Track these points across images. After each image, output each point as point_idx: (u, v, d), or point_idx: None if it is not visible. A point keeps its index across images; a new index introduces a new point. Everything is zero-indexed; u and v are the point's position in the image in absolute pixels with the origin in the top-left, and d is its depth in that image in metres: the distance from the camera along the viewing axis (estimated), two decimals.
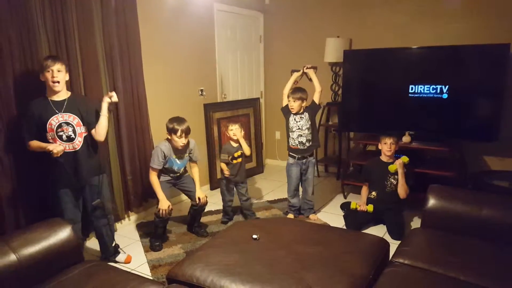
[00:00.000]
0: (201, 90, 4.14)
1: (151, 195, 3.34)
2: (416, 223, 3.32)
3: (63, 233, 1.93)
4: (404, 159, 3.22)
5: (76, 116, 2.40)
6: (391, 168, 3.22)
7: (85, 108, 2.45)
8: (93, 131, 2.49)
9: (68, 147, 2.38)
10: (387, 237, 3.05)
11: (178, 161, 2.96)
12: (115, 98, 2.51)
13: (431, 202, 2.36)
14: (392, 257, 2.08)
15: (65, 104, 2.37)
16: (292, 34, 4.83)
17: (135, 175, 3.33)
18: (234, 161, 3.33)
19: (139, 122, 3.30)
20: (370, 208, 3.23)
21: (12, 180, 2.43)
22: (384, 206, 3.22)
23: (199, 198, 3.02)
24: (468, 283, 1.78)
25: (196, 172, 3.10)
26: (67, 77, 2.38)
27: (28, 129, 2.31)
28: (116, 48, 3.04)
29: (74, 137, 2.39)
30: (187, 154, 3.01)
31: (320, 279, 1.78)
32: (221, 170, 3.36)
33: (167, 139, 2.92)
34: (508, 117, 3.54)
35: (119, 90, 3.09)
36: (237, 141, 3.33)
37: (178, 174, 3.02)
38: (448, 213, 2.30)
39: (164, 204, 2.86)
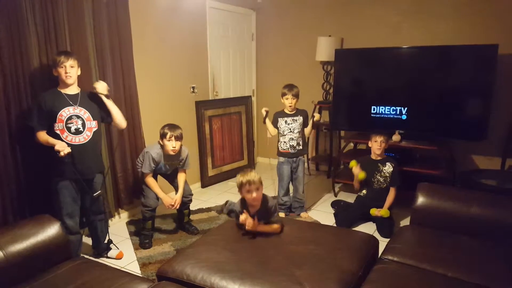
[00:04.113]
0: (193, 87, 4.12)
1: (140, 194, 3.31)
2: (405, 221, 3.35)
3: (52, 230, 1.91)
4: (384, 213, 3.15)
5: (87, 111, 2.44)
6: (372, 212, 3.21)
7: (96, 104, 2.50)
8: (113, 123, 2.59)
9: (75, 140, 2.40)
10: (377, 235, 3.07)
11: (167, 166, 2.97)
12: (99, 89, 2.49)
13: (420, 200, 2.39)
14: (382, 254, 2.09)
15: (79, 98, 2.43)
16: (284, 32, 4.83)
17: (125, 173, 3.30)
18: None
19: (130, 119, 3.25)
20: (361, 175, 3.24)
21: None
22: (374, 203, 3.25)
23: (175, 201, 2.96)
24: (457, 280, 1.81)
25: (182, 178, 3.05)
26: (79, 72, 2.44)
27: (38, 119, 2.32)
28: (107, 43, 3.00)
29: (82, 130, 2.42)
30: (178, 163, 3.00)
31: (311, 275, 1.79)
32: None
33: (159, 143, 2.90)
34: (496, 117, 3.59)
35: (110, 85, 3.03)
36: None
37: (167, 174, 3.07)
38: (437, 211, 2.33)
39: (167, 201, 2.92)
